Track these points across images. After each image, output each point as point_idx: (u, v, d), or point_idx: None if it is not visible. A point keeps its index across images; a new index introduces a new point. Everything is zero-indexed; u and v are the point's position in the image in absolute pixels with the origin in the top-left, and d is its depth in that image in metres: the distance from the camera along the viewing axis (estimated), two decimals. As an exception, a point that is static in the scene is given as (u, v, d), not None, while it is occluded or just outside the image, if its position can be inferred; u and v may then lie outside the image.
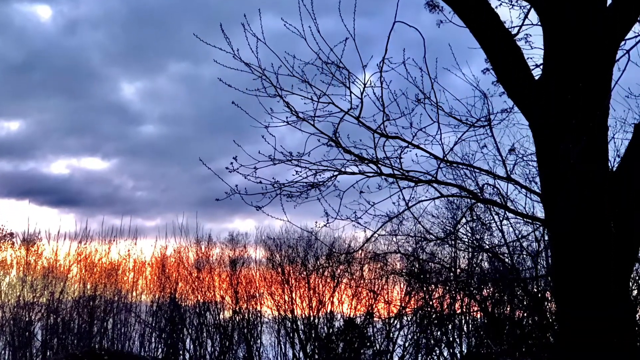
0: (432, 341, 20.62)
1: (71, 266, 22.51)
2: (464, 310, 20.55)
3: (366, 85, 9.18)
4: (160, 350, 21.88)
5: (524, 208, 15.87)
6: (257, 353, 21.70)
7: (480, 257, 20.00)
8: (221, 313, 22.29)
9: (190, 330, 22.04)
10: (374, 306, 21.33)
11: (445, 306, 20.48)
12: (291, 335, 21.53)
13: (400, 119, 9.39)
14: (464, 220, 17.18)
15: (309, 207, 9.91)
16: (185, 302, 22.56)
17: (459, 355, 20.12)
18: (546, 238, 16.62)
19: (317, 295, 21.40)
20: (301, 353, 21.36)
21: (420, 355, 20.69)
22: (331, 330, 21.10)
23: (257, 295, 22.25)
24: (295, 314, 21.56)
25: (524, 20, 9.57)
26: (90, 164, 40.86)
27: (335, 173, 9.58)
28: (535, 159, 8.46)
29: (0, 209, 38.71)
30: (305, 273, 21.63)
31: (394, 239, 18.54)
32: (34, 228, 24.23)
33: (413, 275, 20.60)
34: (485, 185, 11.33)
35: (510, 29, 8.97)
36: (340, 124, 9.29)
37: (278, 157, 9.40)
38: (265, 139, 9.30)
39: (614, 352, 7.23)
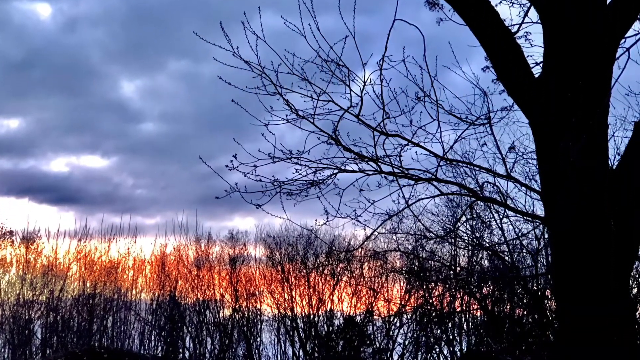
0: (432, 339, 20.61)
1: (71, 264, 22.51)
2: (464, 308, 20.55)
3: (366, 83, 9.18)
4: (160, 348, 21.87)
5: (524, 206, 15.88)
6: (256, 351, 21.69)
7: (480, 255, 20.00)
8: (221, 311, 22.29)
9: (190, 329, 22.03)
10: (373, 304, 21.33)
11: (445, 304, 20.48)
12: (291, 333, 21.53)
13: (400, 117, 9.39)
14: (463, 218, 17.21)
15: (308, 205, 9.93)
16: (185, 300, 22.54)
17: (458, 353, 20.12)
18: (546, 236, 16.62)
19: (317, 293, 21.40)
20: (301, 351, 21.35)
21: (420, 353, 20.68)
22: (331, 328, 21.09)
23: (257, 293, 22.25)
24: (295, 312, 21.55)
25: (523, 18, 9.59)
26: (89, 161, 40.91)
27: (335, 171, 9.58)
28: (535, 157, 8.46)
29: (0, 207, 38.62)
30: (305, 271, 21.62)
31: (394, 237, 18.56)
32: (34, 226, 24.19)
33: (413, 273, 20.59)
34: (485, 183, 11.34)
35: (510, 27, 8.97)
36: (340, 122, 9.30)
37: (278, 155, 9.41)
38: (265, 137, 9.30)
39: (614, 349, 7.23)
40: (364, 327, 20.82)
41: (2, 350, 21.19)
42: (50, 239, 22.61)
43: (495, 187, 11.62)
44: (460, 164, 11.26)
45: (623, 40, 8.43)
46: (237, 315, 21.88)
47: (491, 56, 8.53)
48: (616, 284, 7.37)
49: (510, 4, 10.08)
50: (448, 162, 10.12)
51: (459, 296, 20.47)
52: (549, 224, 8.01)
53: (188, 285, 22.56)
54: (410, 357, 20.75)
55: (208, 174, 9.61)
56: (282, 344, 21.81)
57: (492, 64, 8.71)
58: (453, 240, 19.30)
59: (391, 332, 20.86)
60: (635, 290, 16.57)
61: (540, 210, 14.60)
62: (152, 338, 22.17)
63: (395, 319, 21.04)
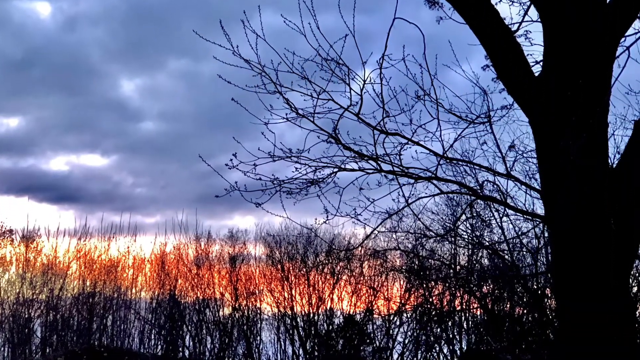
0: (431, 338, 20.60)
1: (70, 263, 22.52)
2: (464, 307, 20.55)
3: (366, 82, 9.19)
4: (159, 347, 21.87)
5: (524, 205, 15.85)
6: (256, 350, 21.69)
7: (480, 254, 19.98)
8: (221, 310, 22.28)
9: (189, 327, 22.03)
10: (373, 303, 21.33)
11: (445, 303, 20.47)
12: (291, 332, 21.53)
13: (400, 115, 9.39)
14: (463, 217, 17.19)
15: (308, 203, 9.93)
16: (185, 299, 22.54)
17: (458, 352, 20.12)
18: (546, 235, 16.60)
19: (316, 292, 21.40)
20: (301, 350, 21.35)
21: (420, 352, 20.68)
22: (331, 327, 21.09)
23: (257, 292, 22.25)
24: (295, 310, 21.56)
25: (523, 16, 9.58)
26: (89, 160, 40.91)
27: (335, 170, 9.58)
28: (535, 156, 8.46)
29: (0, 206, 38.62)
30: (304, 270, 21.62)
31: (394, 236, 18.54)
32: (34, 225, 24.15)
33: (413, 272, 20.58)
34: (485, 182, 11.32)
35: (510, 26, 8.96)
36: (340, 121, 9.30)
37: (278, 154, 9.42)
38: (265, 136, 9.31)
39: (614, 347, 7.23)
40: (363, 326, 20.82)
41: (2, 348, 21.19)
42: (50, 238, 22.67)
43: (495, 186, 11.61)
44: (460, 163, 11.27)
45: (623, 39, 8.44)
46: (237, 314, 21.88)
47: (491, 55, 8.54)
48: (616, 282, 7.37)
49: (510, 3, 10.08)
50: (448, 160, 10.13)
51: (458, 295, 20.47)
52: (549, 223, 8.01)
53: (188, 284, 22.56)
54: (410, 356, 20.75)
55: (208, 173, 9.61)
56: (282, 342, 21.83)
57: (492, 62, 8.72)
58: (453, 239, 19.29)
59: (391, 331, 20.86)
60: (635, 288, 16.57)
61: (540, 209, 14.59)
62: (152, 337, 22.18)
63: (395, 318, 21.03)
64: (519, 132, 11.63)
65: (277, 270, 21.95)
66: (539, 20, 8.44)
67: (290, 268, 21.82)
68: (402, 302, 20.97)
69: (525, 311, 18.76)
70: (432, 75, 9.23)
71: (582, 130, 7.40)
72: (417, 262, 20.39)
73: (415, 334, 20.79)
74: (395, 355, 20.74)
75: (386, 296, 21.35)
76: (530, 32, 9.50)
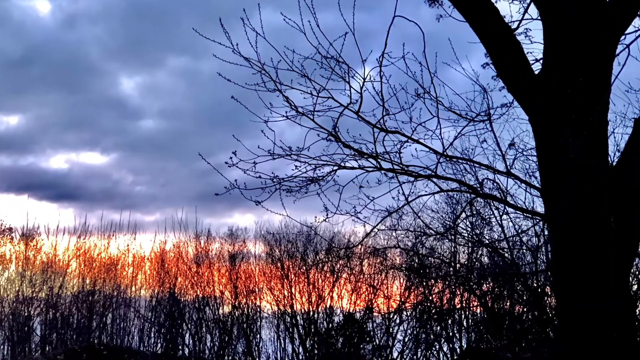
0: (431, 336, 20.59)
1: (70, 261, 22.50)
2: (464, 305, 20.53)
3: (366, 80, 9.19)
4: (159, 345, 21.86)
5: (524, 203, 15.82)
6: (256, 348, 21.69)
7: (480, 252, 19.98)
8: (220, 308, 22.27)
9: (189, 325, 22.02)
10: (373, 301, 21.33)
11: (445, 301, 20.45)
12: (290, 330, 21.53)
13: (400, 113, 9.40)
14: (463, 215, 17.20)
15: (308, 201, 9.93)
16: (185, 297, 22.52)
17: (458, 350, 20.12)
18: (546, 233, 16.60)
19: (316, 290, 21.40)
20: (300, 348, 21.35)
21: (419, 350, 20.67)
22: (331, 325, 21.08)
23: (257, 290, 22.24)
24: (295, 309, 21.55)
25: (523, 14, 9.58)
26: (89, 158, 40.89)
27: (335, 168, 9.59)
28: (535, 154, 8.46)
29: (0, 204, 38.61)
30: (304, 268, 21.62)
31: (394, 234, 18.55)
32: (33, 223, 24.14)
33: (413, 270, 20.57)
34: (485, 180, 11.35)
35: (510, 24, 8.95)
36: (340, 119, 9.31)
37: (277, 152, 9.43)
38: (265, 134, 9.31)
39: (614, 346, 7.23)
40: (363, 324, 20.81)
41: (2, 347, 21.18)
42: (50, 236, 22.63)
43: (495, 184, 11.60)
44: (460, 161, 11.26)
45: (623, 37, 8.43)
46: (236, 312, 21.88)
47: (491, 53, 8.54)
48: (616, 281, 7.37)
49: (510, 1, 10.08)
50: (448, 158, 10.13)
51: (458, 293, 20.46)
52: (549, 221, 8.01)
53: (187, 282, 22.55)
54: (410, 354, 20.75)
55: (207, 171, 9.61)
56: (282, 340, 21.82)
57: (492, 60, 8.73)
58: (453, 237, 19.27)
59: (391, 329, 20.85)
60: (635, 287, 16.56)
61: (540, 207, 14.58)
62: (152, 335, 22.16)
63: (395, 316, 21.03)
64: (519, 130, 11.68)
65: (277, 269, 21.94)
66: (539, 18, 8.44)
67: (290, 266, 21.82)
68: (402, 300, 20.96)
69: (525, 309, 18.75)
70: (432, 73, 9.25)
71: (582, 128, 7.39)
72: (417, 260, 20.38)
73: (415, 332, 20.79)
74: (395, 354, 20.74)
75: (386, 294, 21.36)
76: (530, 30, 9.52)
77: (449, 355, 20.30)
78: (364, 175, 9.65)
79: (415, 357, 20.66)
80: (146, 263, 23.46)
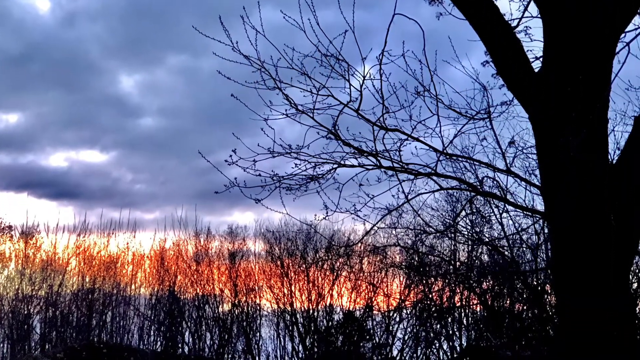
0: (431, 334, 20.59)
1: (70, 259, 22.49)
2: (464, 303, 20.52)
3: (365, 78, 9.20)
4: (159, 343, 21.85)
5: (524, 201, 15.84)
6: (256, 346, 21.68)
7: (479, 250, 19.97)
8: (220, 306, 22.26)
9: (189, 323, 22.01)
10: (373, 299, 21.31)
11: (445, 299, 20.45)
12: (290, 328, 21.52)
13: (400, 111, 9.41)
14: (463, 213, 17.21)
15: (308, 200, 9.93)
16: (184, 295, 22.52)
17: (458, 348, 20.10)
18: (546, 231, 16.60)
19: (316, 288, 21.39)
20: (300, 346, 21.35)
21: (419, 348, 20.67)
22: (330, 323, 21.08)
23: (256, 288, 22.23)
24: (295, 307, 21.55)
25: (523, 12, 9.55)
26: (88, 156, 40.92)
27: (335, 166, 9.60)
28: (535, 152, 8.45)
29: (-1, 202, 38.64)
30: (304, 266, 21.61)
31: (394, 232, 18.58)
32: (33, 221, 24.04)
33: (412, 268, 20.58)
34: (485, 178, 11.33)
35: (510, 22, 8.95)
36: (340, 117, 9.32)
37: (277, 150, 9.43)
38: (265, 132, 9.32)
39: (614, 344, 7.22)
40: (363, 322, 20.80)
41: (1, 345, 21.19)
42: (49, 234, 22.61)
43: (495, 182, 11.59)
44: (460, 159, 11.26)
45: (623, 35, 8.42)
46: (236, 310, 21.87)
47: (491, 51, 8.54)
48: (616, 279, 7.36)
49: (510, -1, 10.07)
50: (448, 156, 10.13)
51: (458, 291, 20.45)
52: (549, 219, 8.00)
53: (187, 280, 22.55)
54: (409, 352, 20.75)
55: (207, 169, 9.65)
56: (282, 338, 21.81)
57: (492, 58, 8.72)
58: (453, 235, 19.29)
59: (391, 327, 20.84)
60: (635, 285, 16.56)
61: (540, 205, 14.60)
62: (152, 333, 22.15)
63: (395, 314, 21.03)
64: (519, 128, 11.63)
65: (276, 267, 21.94)
66: (539, 16, 8.43)
67: (290, 264, 21.81)
68: (402, 298, 20.96)
69: (525, 307, 18.75)
70: (432, 71, 9.25)
71: (582, 126, 7.39)
72: (416, 258, 20.39)
73: (414, 330, 20.78)
74: (395, 352, 20.73)
75: (386, 292, 21.34)
76: (530, 27, 9.50)
77: (448, 354, 20.30)
78: (364, 173, 9.67)
79: (415, 355, 20.66)
80: (146, 261, 23.46)
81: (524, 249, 18.26)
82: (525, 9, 9.60)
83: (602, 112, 7.67)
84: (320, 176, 9.59)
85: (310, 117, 9.32)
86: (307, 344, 21.14)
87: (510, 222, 18.07)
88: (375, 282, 21.32)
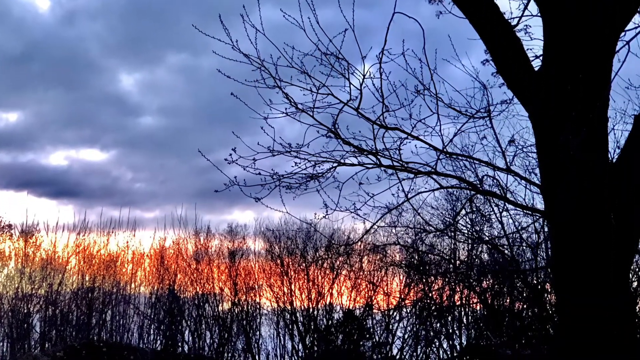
0: (431, 333, 20.60)
1: (70, 258, 22.50)
2: (464, 302, 20.53)
3: (365, 77, 9.20)
4: (159, 342, 21.86)
5: (524, 199, 15.86)
6: (256, 345, 21.69)
7: (479, 249, 19.98)
8: (220, 305, 22.28)
9: (189, 322, 22.02)
10: (373, 298, 21.32)
11: (445, 298, 20.46)
12: (290, 327, 21.53)
13: (400, 110, 9.41)
14: (463, 211, 17.19)
15: (308, 198, 9.93)
16: (184, 293, 22.53)
17: (458, 347, 20.11)
18: (546, 230, 16.60)
19: (316, 287, 21.40)
20: (300, 345, 21.36)
21: (419, 347, 20.68)
22: (330, 322, 21.09)
23: (256, 287, 22.24)
24: (295, 305, 21.56)
25: (523, 11, 9.54)
26: (88, 155, 40.92)
27: (335, 164, 9.60)
28: (535, 151, 8.45)
29: (-1, 201, 38.61)
30: (304, 265, 21.62)
31: (393, 231, 18.57)
32: (33, 219, 24.00)
33: (412, 266, 20.59)
34: (485, 177, 11.33)
35: (510, 20, 8.94)
36: (340, 115, 9.31)
37: (277, 149, 9.43)
38: (264, 130, 9.31)
39: (614, 342, 7.22)
40: (363, 321, 20.81)
41: (1, 344, 21.19)
42: (49, 233, 22.62)
43: (495, 181, 11.62)
44: (460, 158, 11.24)
45: (623, 34, 8.42)
46: (236, 309, 21.88)
47: (491, 49, 8.52)
48: (616, 277, 7.36)
49: (510, -3, 10.06)
50: (448, 155, 10.12)
51: (458, 290, 20.46)
52: (549, 218, 8.00)
53: (187, 278, 22.56)
54: (409, 351, 20.76)
55: (207, 168, 9.62)
56: (282, 337, 21.83)
57: (492, 57, 8.71)
58: (453, 234, 19.29)
59: (391, 326, 20.85)
60: (635, 283, 16.56)
61: (540, 204, 14.59)
62: (151, 332, 22.17)
63: (395, 313, 21.04)
64: (519, 126, 11.61)
65: (276, 265, 21.95)
66: (539, 14, 8.42)
67: (290, 263, 21.83)
68: (402, 297, 20.97)
69: (525, 306, 18.77)
70: (432, 70, 9.25)
71: (582, 124, 7.38)
72: (416, 257, 20.41)
73: (414, 329, 20.79)
74: (395, 350, 20.74)
75: (386, 291, 21.35)
76: (530, 26, 9.49)
77: (448, 352, 20.31)
78: (364, 171, 9.67)
79: (415, 354, 20.67)
80: (145, 260, 23.48)
81: (524, 247, 18.27)
82: (525, 7, 9.59)
83: (602, 111, 7.66)
84: (320, 175, 9.59)
85: (310, 116, 9.33)
86: (307, 342, 21.15)
87: (510, 220, 18.09)
88: (375, 281, 21.34)
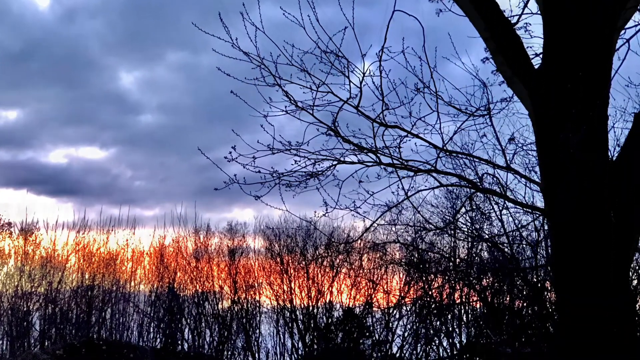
0: (431, 331, 20.59)
1: (69, 256, 22.51)
2: (464, 300, 20.53)
3: (365, 75, 9.19)
4: (158, 340, 21.88)
5: (524, 197, 15.86)
6: (255, 343, 21.70)
7: (479, 247, 19.97)
8: (220, 303, 22.30)
9: (188, 320, 22.04)
10: (373, 296, 21.33)
11: (445, 296, 20.46)
12: (290, 325, 21.55)
13: (400, 108, 9.40)
14: (463, 209, 17.19)
15: (307, 196, 9.92)
16: (184, 292, 22.55)
17: (458, 345, 20.11)
18: (546, 227, 16.59)
19: (316, 285, 21.41)
20: (300, 343, 21.38)
21: (419, 345, 20.67)
22: (330, 320, 21.10)
23: (256, 285, 22.25)
24: (294, 303, 21.58)
25: (523, 9, 9.52)
26: (88, 153, 40.99)
27: (334, 162, 9.59)
28: (535, 148, 8.43)
29: (-1, 199, 38.61)
30: (304, 263, 21.63)
31: (393, 229, 18.52)
32: (32, 218, 24.02)
33: (412, 265, 20.58)
34: (485, 175, 11.32)
35: (510, 18, 8.92)
36: (339, 113, 9.31)
37: (277, 147, 9.42)
38: (264, 129, 9.31)
39: (614, 342, 7.21)
40: (363, 319, 20.82)
41: (1, 342, 21.22)
42: (49, 231, 22.66)
43: (494, 179, 11.61)
44: (460, 156, 11.24)
45: (623, 32, 8.41)
46: (236, 307, 21.90)
47: (491, 47, 8.50)
48: (616, 277, 7.35)
49: (510, -5, 10.04)
50: (447, 153, 10.12)
51: (458, 288, 20.45)
52: (549, 216, 7.98)
53: (187, 277, 22.57)
54: (409, 349, 20.76)
55: (207, 166, 9.62)
56: (281, 335, 21.85)
57: (492, 55, 8.68)
58: (452, 232, 19.28)
59: (390, 324, 20.85)
60: (635, 282, 16.55)
61: (540, 202, 14.60)
62: (151, 330, 22.19)
63: (395, 311, 21.03)
64: (519, 124, 11.59)
65: (276, 263, 21.97)
66: (539, 12, 8.40)
67: (290, 261, 21.85)
68: (402, 295, 20.98)
69: (525, 304, 18.75)
70: (432, 68, 9.23)
71: (582, 123, 7.37)
72: (416, 255, 20.39)
73: (414, 327, 20.78)
74: (395, 349, 20.75)
75: (385, 289, 21.36)
76: (529, 24, 9.48)
77: (448, 350, 20.31)
78: (364, 170, 9.66)
79: (414, 352, 20.67)
80: (145, 258, 23.50)
81: (524, 245, 18.26)
82: (525, 5, 9.58)
83: (602, 108, 7.65)
84: (320, 173, 9.58)
85: (309, 114, 9.32)
86: (307, 340, 21.16)
87: (510, 218, 18.09)
88: (375, 279, 21.36)
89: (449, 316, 20.53)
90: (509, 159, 10.41)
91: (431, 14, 9.99)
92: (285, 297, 21.57)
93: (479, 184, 10.57)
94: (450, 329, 20.45)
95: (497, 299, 19.34)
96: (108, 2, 34.19)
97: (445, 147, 9.72)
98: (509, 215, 17.78)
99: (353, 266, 21.58)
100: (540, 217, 15.99)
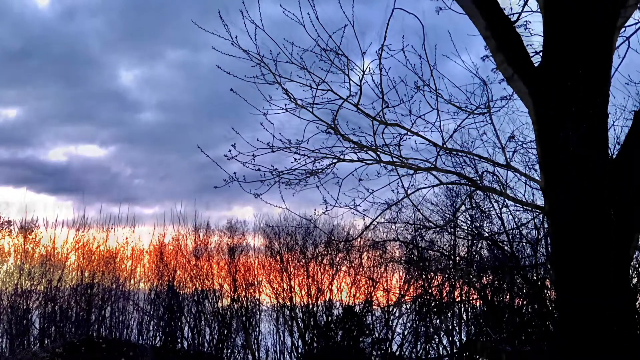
0: (431, 329, 20.60)
1: (69, 254, 22.49)
2: (463, 298, 20.53)
3: (365, 73, 9.19)
4: (158, 338, 21.86)
5: (524, 196, 15.85)
6: (255, 341, 21.70)
7: (479, 245, 19.97)
8: (219, 301, 22.29)
9: (188, 318, 22.02)
10: (373, 294, 21.34)
11: (445, 294, 20.46)
12: (290, 323, 21.55)
13: (400, 106, 9.40)
14: (463, 207, 17.22)
15: (307, 194, 9.93)
16: (184, 290, 22.53)
17: (458, 343, 20.11)
18: (546, 226, 16.58)
19: (315, 283, 21.41)
20: (300, 341, 21.38)
21: (419, 343, 20.68)
22: (330, 318, 21.10)
23: (256, 283, 22.25)
24: (294, 302, 21.58)
25: (523, 7, 9.51)
26: (88, 151, 40.89)
27: (334, 160, 9.59)
28: (535, 146, 8.42)
29: (-2, 197, 38.60)
30: (304, 261, 21.62)
31: (393, 227, 18.56)
32: (32, 216, 23.99)
33: (412, 263, 20.58)
34: (485, 173, 11.34)
35: (510, 16, 8.91)
36: (339, 111, 9.30)
37: (277, 145, 9.43)
38: (264, 127, 9.32)
39: (614, 341, 7.21)
40: (363, 317, 20.81)
41: (0, 340, 21.19)
42: (49, 229, 22.60)
43: (494, 177, 11.60)
44: (460, 154, 11.25)
45: (623, 30, 8.40)
46: (235, 305, 21.89)
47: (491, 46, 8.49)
48: (616, 275, 7.35)
49: (510, -7, 10.03)
50: (447, 151, 10.12)
51: (458, 286, 20.46)
52: (549, 215, 7.98)
53: (186, 275, 22.56)
54: (409, 347, 20.76)
55: (206, 164, 9.62)
56: (281, 333, 21.86)
57: (492, 53, 8.67)
58: (452, 230, 19.30)
59: (390, 322, 20.86)
60: (635, 280, 16.55)
61: (540, 200, 14.58)
62: (151, 328, 22.18)
63: (395, 309, 21.05)
64: (519, 122, 11.59)
65: (276, 261, 21.96)
66: (539, 10, 8.39)
67: (289, 259, 21.84)
68: (402, 293, 20.99)
69: (524, 302, 18.75)
70: (432, 66, 9.23)
71: (582, 120, 7.36)
72: (416, 253, 20.40)
73: (414, 325, 20.79)
74: (395, 347, 20.75)
75: (385, 287, 21.37)
76: (530, 22, 9.47)
77: (448, 349, 20.31)
78: (364, 167, 9.66)
79: (414, 350, 20.68)
80: (145, 256, 23.48)
81: (524, 243, 18.27)
82: (525, 3, 9.58)
83: (602, 106, 7.64)
84: (319, 171, 9.59)
85: (309, 112, 9.32)
86: (307, 339, 21.16)
87: (510, 216, 18.08)
88: (374, 277, 21.36)
89: (449, 314, 20.53)
90: (509, 157, 10.40)
91: (431, 12, 9.99)
92: (285, 295, 21.57)
93: (478, 182, 10.57)
94: (450, 327, 20.45)
95: (497, 297, 19.35)
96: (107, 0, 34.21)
97: (445, 145, 9.72)
98: (508, 213, 17.80)
99: (353, 264, 21.60)
100: (540, 215, 15.98)
